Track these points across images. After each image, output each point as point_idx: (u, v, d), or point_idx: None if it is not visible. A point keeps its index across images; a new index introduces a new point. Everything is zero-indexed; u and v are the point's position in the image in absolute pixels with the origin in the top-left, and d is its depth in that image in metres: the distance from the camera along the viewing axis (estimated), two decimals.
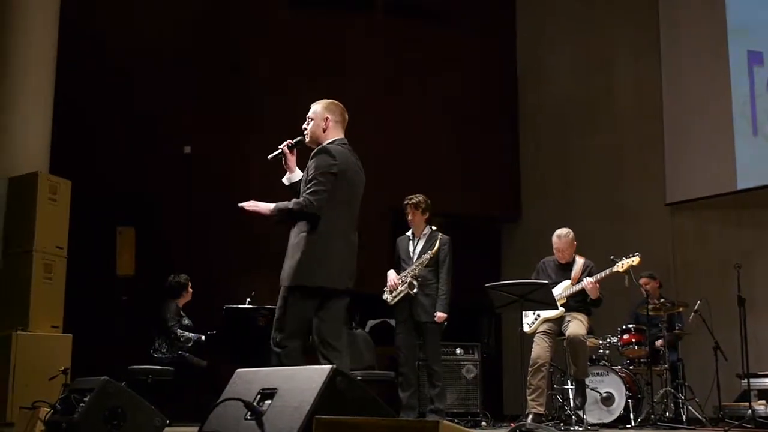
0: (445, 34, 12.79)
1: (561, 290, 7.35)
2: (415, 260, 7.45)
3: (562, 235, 7.54)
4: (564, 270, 7.52)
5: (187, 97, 11.25)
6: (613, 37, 12.10)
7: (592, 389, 7.87)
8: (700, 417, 8.09)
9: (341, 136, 5.06)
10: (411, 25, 12.62)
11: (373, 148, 11.90)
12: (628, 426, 7.87)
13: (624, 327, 8.56)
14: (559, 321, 7.35)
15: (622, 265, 7.17)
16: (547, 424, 7.04)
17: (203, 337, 8.15)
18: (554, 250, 7.57)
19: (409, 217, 7.58)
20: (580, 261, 7.51)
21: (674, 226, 11.18)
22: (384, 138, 12.04)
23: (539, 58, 12.94)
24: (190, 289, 8.50)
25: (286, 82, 11.58)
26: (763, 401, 8.16)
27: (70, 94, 9.58)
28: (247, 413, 3.11)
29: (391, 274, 7.51)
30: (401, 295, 7.37)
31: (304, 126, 5.10)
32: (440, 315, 7.30)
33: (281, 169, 5.22)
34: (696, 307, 8.33)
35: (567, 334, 7.22)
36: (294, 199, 4.88)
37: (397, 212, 7.72)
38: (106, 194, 10.51)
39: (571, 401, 7.48)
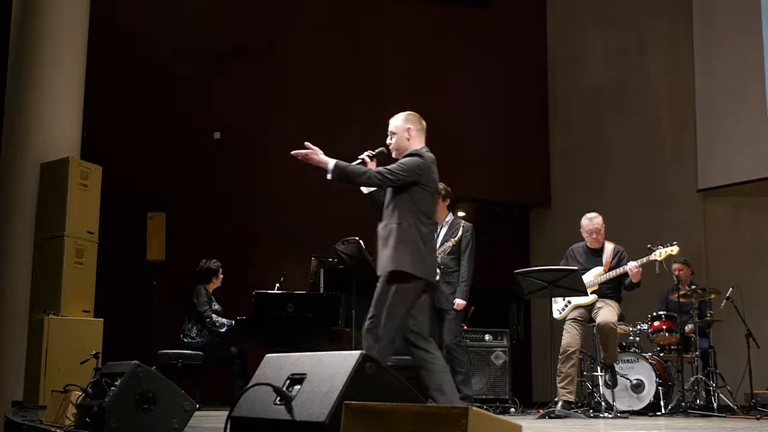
0: (477, 18, 12.73)
1: (592, 277, 7.29)
2: (437, 248, 7.40)
3: (592, 217, 7.47)
4: (594, 256, 7.45)
5: (217, 82, 11.27)
6: (645, 21, 11.98)
7: (622, 376, 7.82)
8: (731, 405, 8.01)
9: (424, 144, 5.23)
10: (443, 9, 12.55)
11: None
12: (659, 413, 7.81)
13: (654, 314, 8.49)
14: (589, 308, 7.29)
15: (660, 254, 7.09)
16: (577, 411, 7.00)
17: (233, 323, 8.20)
18: (585, 234, 7.49)
19: None
20: (609, 246, 7.44)
21: (706, 212, 11.08)
22: None
23: (572, 43, 12.84)
24: (221, 275, 8.52)
25: (320, 67, 11.56)
26: None
27: (101, 80, 9.63)
28: (276, 398, 3.11)
29: None
30: None
31: (388, 141, 5.24)
32: (459, 302, 7.23)
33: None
34: (728, 294, 8.23)
35: (598, 321, 7.16)
36: (371, 169, 4.99)
37: None
38: (137, 180, 10.58)
39: (601, 387, 7.43)
